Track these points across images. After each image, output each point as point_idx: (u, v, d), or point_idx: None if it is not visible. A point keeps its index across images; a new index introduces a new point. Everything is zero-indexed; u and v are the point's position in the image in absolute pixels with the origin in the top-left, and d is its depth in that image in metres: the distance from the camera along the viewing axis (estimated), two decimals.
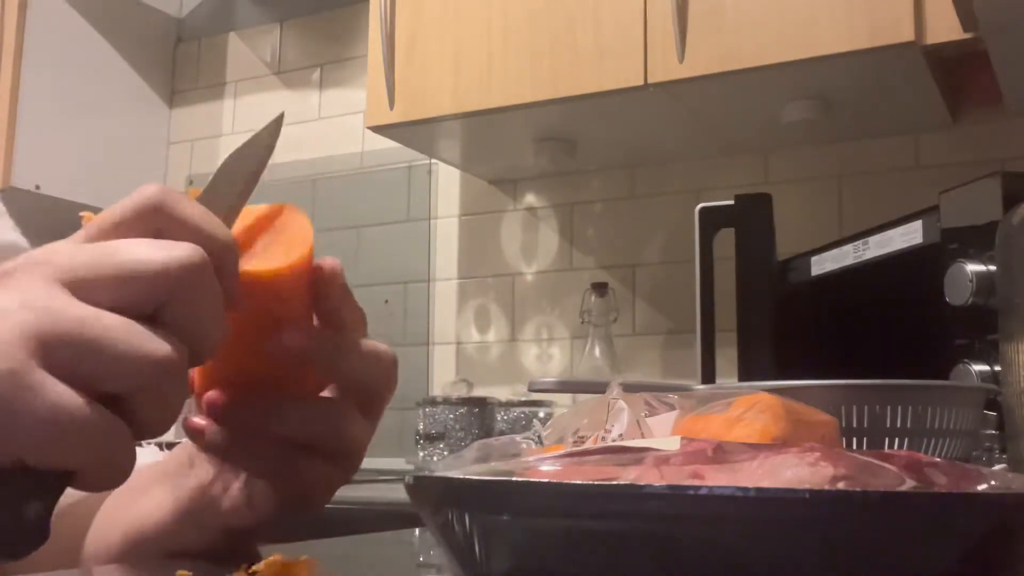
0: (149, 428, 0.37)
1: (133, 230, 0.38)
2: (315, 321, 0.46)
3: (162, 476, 0.52)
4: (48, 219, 2.45)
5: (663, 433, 0.48)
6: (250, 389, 0.45)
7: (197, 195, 0.41)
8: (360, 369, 0.46)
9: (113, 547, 0.52)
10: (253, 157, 0.43)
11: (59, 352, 0.34)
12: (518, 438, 0.50)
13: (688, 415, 0.49)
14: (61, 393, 0.34)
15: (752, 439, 0.45)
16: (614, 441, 0.47)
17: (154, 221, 0.38)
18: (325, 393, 0.48)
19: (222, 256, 0.39)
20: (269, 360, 0.44)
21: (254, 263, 0.42)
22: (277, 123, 0.45)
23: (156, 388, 0.36)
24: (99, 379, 0.35)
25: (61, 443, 0.34)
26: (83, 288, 0.36)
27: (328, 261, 0.45)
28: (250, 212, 0.43)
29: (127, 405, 0.36)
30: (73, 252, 0.37)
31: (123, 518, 0.52)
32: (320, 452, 0.46)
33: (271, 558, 0.37)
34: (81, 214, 0.41)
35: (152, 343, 0.36)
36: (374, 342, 0.46)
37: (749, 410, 0.47)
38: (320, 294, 0.44)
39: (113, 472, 0.36)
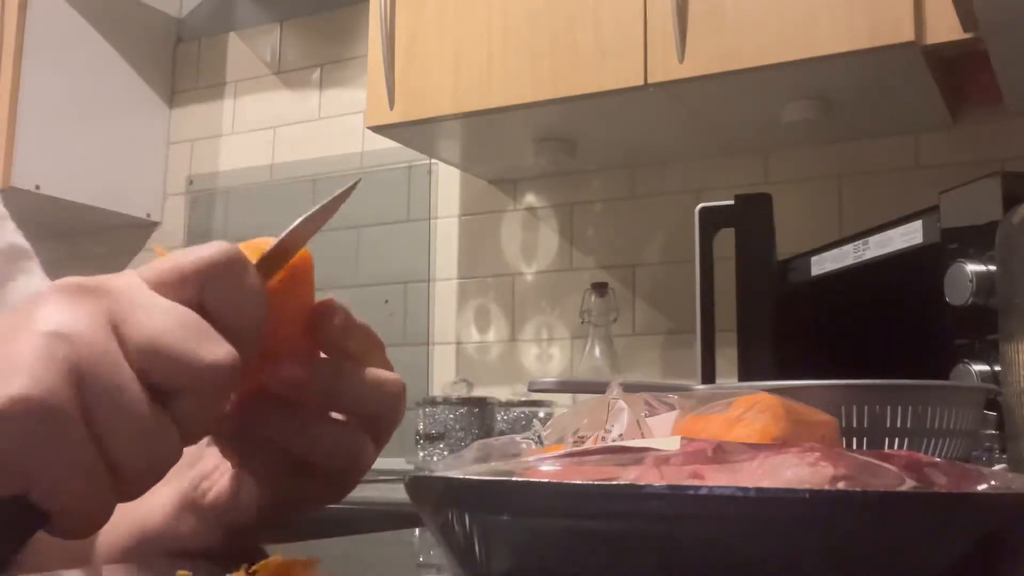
0: (127, 496, 0.38)
1: (192, 290, 0.39)
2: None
3: (170, 472, 0.52)
4: (48, 219, 2.46)
5: (663, 433, 0.48)
6: (258, 401, 0.45)
7: (260, 252, 0.41)
8: (362, 398, 0.45)
9: (119, 543, 0.52)
10: (320, 221, 0.43)
11: (88, 398, 0.35)
12: (518, 438, 0.49)
13: (688, 415, 0.49)
14: (84, 440, 0.35)
15: (752, 439, 0.45)
16: (614, 441, 0.47)
17: (210, 284, 0.39)
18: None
19: (246, 355, 0.39)
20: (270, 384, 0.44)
21: None
22: (350, 189, 0.44)
23: (150, 474, 0.38)
24: (108, 444, 0.36)
25: (71, 489, 0.35)
26: (125, 340, 0.36)
27: (324, 300, 0.45)
28: (258, 248, 0.43)
29: (117, 471, 0.37)
30: (132, 298, 0.37)
31: (130, 515, 0.52)
32: (321, 470, 0.46)
33: (271, 558, 0.37)
34: (155, 247, 0.42)
35: (161, 446, 0.37)
36: (379, 371, 0.46)
37: (749, 410, 0.47)
38: (317, 329, 0.44)
39: (89, 529, 0.37)
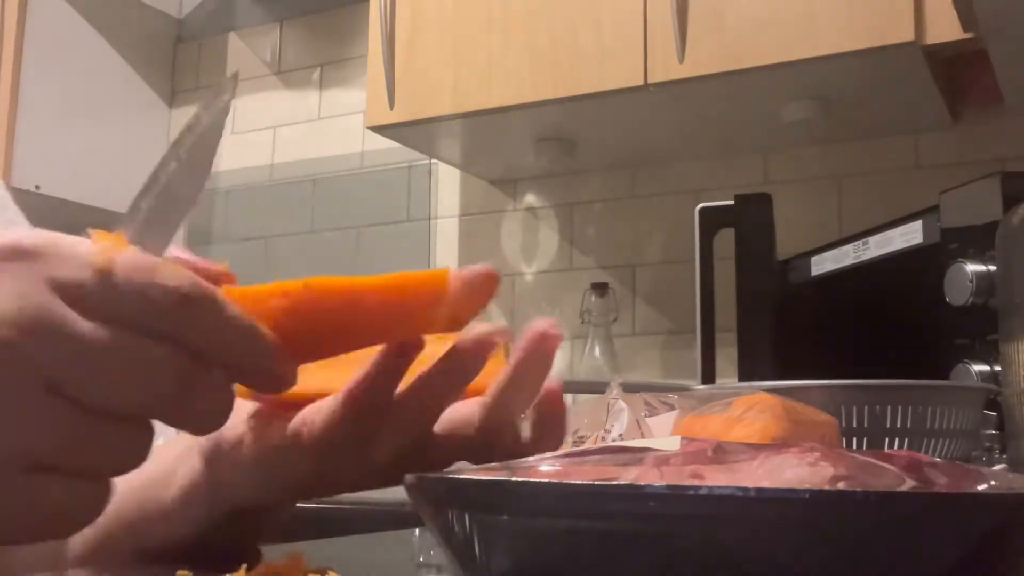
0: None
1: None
2: None
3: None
4: (48, 219, 2.45)
5: (663, 433, 0.48)
6: None
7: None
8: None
9: (125, 515, 0.52)
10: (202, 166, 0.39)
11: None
12: None
13: (688, 415, 0.49)
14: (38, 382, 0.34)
15: (752, 439, 0.45)
16: (614, 441, 0.47)
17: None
18: None
19: None
20: None
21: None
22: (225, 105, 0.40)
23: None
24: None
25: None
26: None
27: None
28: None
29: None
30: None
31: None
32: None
33: (266, 562, 0.37)
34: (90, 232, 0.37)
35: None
36: None
37: (749, 410, 0.47)
38: None
39: None
